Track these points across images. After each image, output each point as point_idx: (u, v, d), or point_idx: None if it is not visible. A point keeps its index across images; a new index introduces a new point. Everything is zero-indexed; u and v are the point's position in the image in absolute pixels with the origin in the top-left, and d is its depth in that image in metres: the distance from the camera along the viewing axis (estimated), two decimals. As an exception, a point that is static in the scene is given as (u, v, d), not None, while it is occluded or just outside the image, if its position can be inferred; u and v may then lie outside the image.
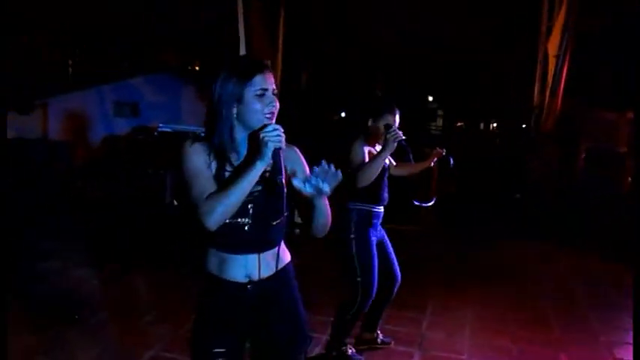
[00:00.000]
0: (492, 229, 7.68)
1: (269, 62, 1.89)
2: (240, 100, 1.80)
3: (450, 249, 6.78)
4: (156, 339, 3.75)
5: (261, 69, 1.82)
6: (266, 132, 1.71)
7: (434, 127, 20.89)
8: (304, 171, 1.92)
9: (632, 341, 4.06)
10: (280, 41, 8.23)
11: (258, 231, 1.85)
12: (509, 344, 3.98)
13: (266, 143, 1.70)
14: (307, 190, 1.76)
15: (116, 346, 3.71)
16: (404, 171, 3.73)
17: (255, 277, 1.88)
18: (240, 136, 1.85)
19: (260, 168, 1.72)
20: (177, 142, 3.61)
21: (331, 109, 16.32)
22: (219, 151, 1.82)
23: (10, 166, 6.98)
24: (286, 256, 2.00)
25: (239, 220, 1.81)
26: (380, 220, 3.47)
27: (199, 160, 1.80)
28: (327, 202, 1.88)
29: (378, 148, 3.31)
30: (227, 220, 1.76)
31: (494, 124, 21.23)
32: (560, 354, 3.83)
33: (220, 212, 1.71)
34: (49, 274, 4.96)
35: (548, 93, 8.29)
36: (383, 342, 3.79)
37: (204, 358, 1.91)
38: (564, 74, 7.75)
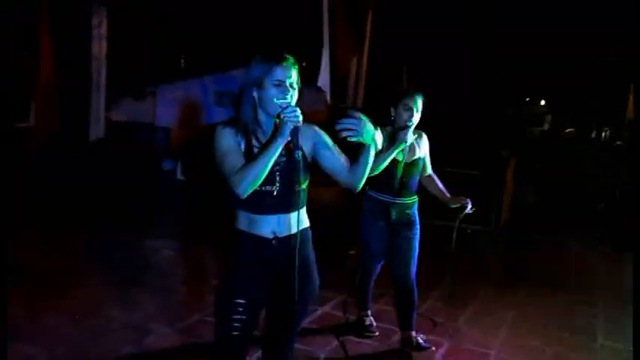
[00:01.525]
0: (565, 237, 7.46)
1: (291, 57, 2.11)
2: (260, 86, 2.07)
3: (512, 252, 6.70)
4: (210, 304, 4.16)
5: (280, 61, 2.07)
6: (285, 112, 1.99)
7: (537, 132, 19.99)
8: (324, 142, 2.19)
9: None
10: (367, 40, 8.44)
11: (283, 195, 2.14)
12: (542, 346, 3.98)
13: (285, 122, 1.98)
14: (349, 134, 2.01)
15: (172, 306, 4.18)
16: (430, 188, 3.80)
17: (279, 234, 2.17)
18: (264, 117, 2.14)
19: (280, 143, 1.99)
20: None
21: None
22: (245, 130, 2.12)
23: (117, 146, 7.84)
24: (306, 221, 2.27)
25: (267, 187, 2.10)
26: (396, 210, 3.61)
27: (230, 140, 2.10)
28: (372, 156, 2.10)
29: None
30: (257, 188, 2.04)
31: (608, 132, 20.05)
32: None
33: (249, 182, 1.99)
34: (129, 243, 5.58)
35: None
36: (368, 329, 3.95)
37: (225, 305, 2.20)
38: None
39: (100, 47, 7.83)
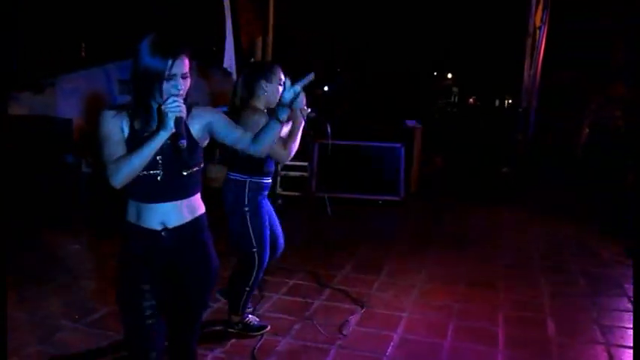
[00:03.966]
0: (471, 200, 7.83)
1: (182, 46, 2.01)
2: (156, 77, 1.97)
3: (422, 218, 6.97)
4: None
5: (175, 55, 1.97)
6: (166, 104, 1.95)
7: (442, 103, 20.80)
8: (219, 119, 2.16)
9: (572, 302, 4.29)
10: (271, 19, 8.40)
11: (169, 181, 2.07)
12: (452, 303, 4.19)
13: (167, 114, 1.94)
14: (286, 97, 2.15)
15: (79, 301, 4.04)
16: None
17: (169, 225, 2.10)
18: (155, 105, 2.06)
19: (163, 136, 1.95)
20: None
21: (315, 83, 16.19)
22: (133, 115, 2.06)
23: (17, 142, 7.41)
24: (200, 208, 2.19)
25: (151, 172, 2.03)
26: (267, 192, 3.47)
27: (110, 126, 2.03)
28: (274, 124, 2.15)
29: None
30: (140, 173, 1.99)
31: (510, 101, 21.13)
32: (499, 313, 4.03)
33: (124, 173, 1.95)
34: (33, 240, 5.34)
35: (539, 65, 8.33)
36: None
37: (133, 296, 2.13)
38: (543, 46, 7.75)
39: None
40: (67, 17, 10.64)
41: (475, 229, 6.46)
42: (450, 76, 25.44)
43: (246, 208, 3.29)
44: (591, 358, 3.46)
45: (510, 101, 20.45)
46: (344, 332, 3.65)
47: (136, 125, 2.06)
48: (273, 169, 3.44)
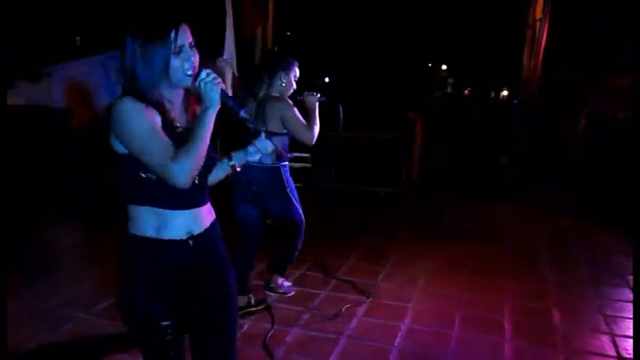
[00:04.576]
0: (472, 192, 7.86)
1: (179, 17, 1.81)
2: (163, 56, 1.71)
3: (424, 210, 6.99)
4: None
5: (177, 24, 1.74)
6: (202, 78, 1.73)
7: (439, 95, 20.79)
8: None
9: (575, 291, 4.32)
10: (271, 8, 8.35)
11: (199, 182, 1.81)
12: (459, 292, 4.22)
13: (211, 88, 1.72)
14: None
15: (87, 291, 4.04)
16: None
17: (196, 231, 1.83)
18: (166, 89, 1.78)
19: (212, 114, 1.71)
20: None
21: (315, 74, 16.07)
22: (157, 104, 1.74)
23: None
24: (212, 209, 1.98)
25: None
26: None
27: (149, 119, 1.68)
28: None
29: None
30: None
31: (505, 93, 21.15)
32: (505, 303, 4.06)
33: (193, 168, 1.67)
34: (36, 232, 5.32)
35: (540, 58, 8.34)
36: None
37: (153, 333, 1.82)
38: (544, 39, 7.77)
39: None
40: (63, 6, 10.56)
41: (477, 221, 6.48)
42: (444, 67, 25.48)
43: (288, 190, 3.66)
44: (596, 347, 3.49)
45: (506, 93, 20.46)
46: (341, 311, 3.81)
47: (168, 114, 1.77)
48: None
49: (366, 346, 3.38)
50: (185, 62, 1.74)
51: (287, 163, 3.67)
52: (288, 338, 3.45)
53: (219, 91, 1.73)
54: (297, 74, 3.63)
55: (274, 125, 3.44)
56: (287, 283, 4.10)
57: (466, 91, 22.05)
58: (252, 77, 3.62)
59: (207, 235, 1.87)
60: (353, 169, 7.17)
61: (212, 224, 1.92)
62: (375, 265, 4.76)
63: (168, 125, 1.74)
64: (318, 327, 3.60)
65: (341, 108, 3.68)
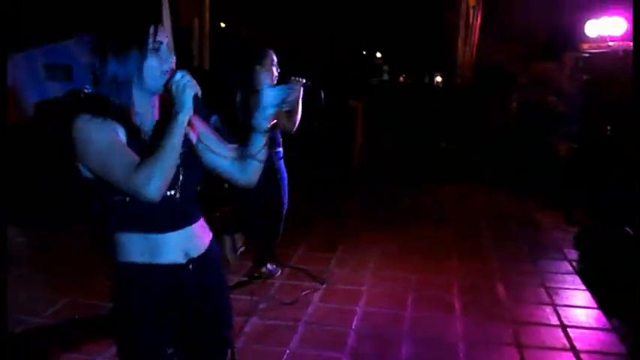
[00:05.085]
0: (415, 177, 8.05)
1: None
2: (134, 53, 1.57)
3: (369, 195, 7.12)
4: (73, 288, 3.94)
5: (154, 20, 1.63)
6: (176, 80, 1.55)
7: (376, 81, 21.03)
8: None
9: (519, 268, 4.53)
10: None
11: (187, 198, 1.67)
12: (409, 275, 4.34)
13: (183, 90, 1.54)
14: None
15: (34, 295, 3.90)
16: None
17: (193, 254, 1.69)
18: (138, 95, 1.61)
19: (183, 119, 1.54)
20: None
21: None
22: (121, 115, 1.58)
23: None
24: (207, 226, 1.82)
25: (169, 191, 1.59)
26: None
27: (108, 133, 1.53)
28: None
29: None
30: None
31: (439, 78, 21.65)
32: (453, 282, 4.21)
33: (161, 178, 1.47)
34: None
35: (474, 44, 8.61)
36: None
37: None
38: (478, 24, 8.02)
39: None
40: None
41: (422, 204, 6.66)
42: (379, 55, 25.83)
43: (278, 175, 3.95)
44: (541, 317, 3.69)
45: (440, 79, 20.91)
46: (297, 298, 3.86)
47: (133, 125, 1.60)
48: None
49: (324, 331, 3.43)
50: (164, 63, 1.59)
51: (279, 149, 3.94)
52: (247, 328, 3.46)
53: (193, 95, 1.56)
54: (275, 61, 3.81)
55: None
56: (271, 266, 4.29)
57: (401, 78, 22.41)
58: (232, 74, 3.94)
59: (209, 255, 1.75)
60: (298, 156, 7.20)
61: (210, 244, 1.78)
62: (327, 252, 4.82)
63: (133, 136, 1.58)
64: (275, 315, 3.63)
65: (322, 93, 3.75)
